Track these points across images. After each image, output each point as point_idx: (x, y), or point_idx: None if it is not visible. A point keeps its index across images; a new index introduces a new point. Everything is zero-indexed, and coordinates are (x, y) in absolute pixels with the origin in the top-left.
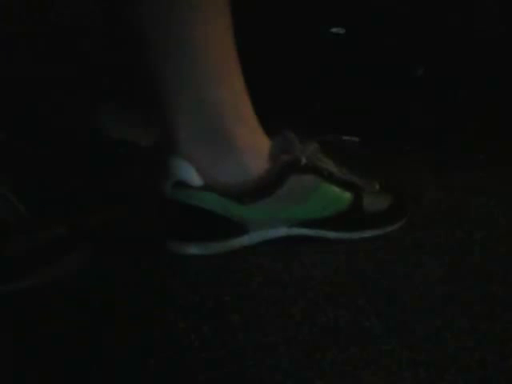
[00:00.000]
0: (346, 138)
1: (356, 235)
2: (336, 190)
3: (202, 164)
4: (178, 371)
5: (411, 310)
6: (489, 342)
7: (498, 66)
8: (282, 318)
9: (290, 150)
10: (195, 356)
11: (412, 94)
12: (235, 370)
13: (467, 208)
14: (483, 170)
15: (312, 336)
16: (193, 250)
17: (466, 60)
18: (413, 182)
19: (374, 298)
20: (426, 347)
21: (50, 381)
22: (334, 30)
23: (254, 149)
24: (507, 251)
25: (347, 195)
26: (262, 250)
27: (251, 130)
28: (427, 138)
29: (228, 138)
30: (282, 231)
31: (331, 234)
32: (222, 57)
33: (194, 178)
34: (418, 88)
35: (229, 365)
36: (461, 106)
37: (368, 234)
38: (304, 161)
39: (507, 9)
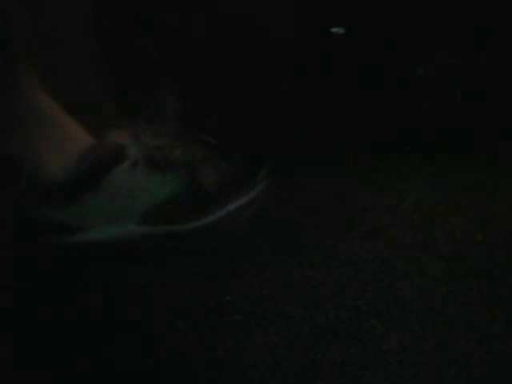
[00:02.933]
0: None
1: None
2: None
3: None
4: (178, 371)
5: (411, 310)
6: (489, 342)
7: (498, 65)
8: (282, 317)
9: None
10: (195, 356)
11: (412, 94)
12: (235, 370)
13: (467, 208)
14: (483, 169)
15: (312, 336)
16: None
17: (466, 60)
18: (412, 182)
19: (373, 297)
20: (426, 347)
21: (50, 381)
22: (334, 30)
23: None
24: (507, 251)
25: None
26: (262, 249)
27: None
28: (427, 137)
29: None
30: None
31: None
32: None
33: None
34: (418, 88)
35: (229, 365)
36: (461, 106)
37: (212, 216)
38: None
39: (507, 8)
